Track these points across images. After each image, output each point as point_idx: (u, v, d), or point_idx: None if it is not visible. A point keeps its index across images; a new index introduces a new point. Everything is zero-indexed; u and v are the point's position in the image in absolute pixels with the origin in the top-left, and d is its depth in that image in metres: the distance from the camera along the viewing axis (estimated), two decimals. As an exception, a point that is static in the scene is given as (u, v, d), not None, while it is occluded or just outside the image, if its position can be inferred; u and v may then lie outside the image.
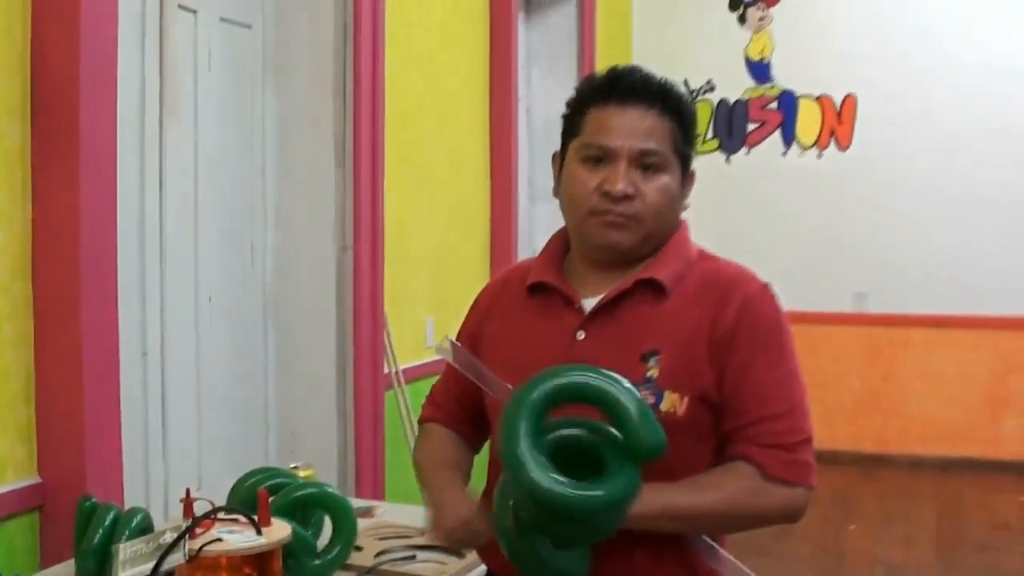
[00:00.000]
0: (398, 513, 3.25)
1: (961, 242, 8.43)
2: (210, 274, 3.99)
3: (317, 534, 2.72)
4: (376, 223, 4.44)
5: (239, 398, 4.18)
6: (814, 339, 8.61)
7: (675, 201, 2.10)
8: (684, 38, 8.95)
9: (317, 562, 2.65)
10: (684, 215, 2.21)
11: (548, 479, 1.77)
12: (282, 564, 2.24)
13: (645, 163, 2.05)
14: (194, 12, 3.92)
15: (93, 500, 2.63)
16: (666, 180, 2.06)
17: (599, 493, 1.80)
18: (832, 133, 8.68)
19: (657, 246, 2.12)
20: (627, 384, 1.84)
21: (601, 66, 7.72)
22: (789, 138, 8.78)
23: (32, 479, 2.91)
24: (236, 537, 2.12)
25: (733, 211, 8.76)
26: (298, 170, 4.36)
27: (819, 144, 8.72)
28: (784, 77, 8.78)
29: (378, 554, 2.84)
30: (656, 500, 1.92)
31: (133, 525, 2.53)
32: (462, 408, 2.33)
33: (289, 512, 2.61)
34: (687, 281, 2.08)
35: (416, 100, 5.11)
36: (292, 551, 2.54)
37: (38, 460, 2.93)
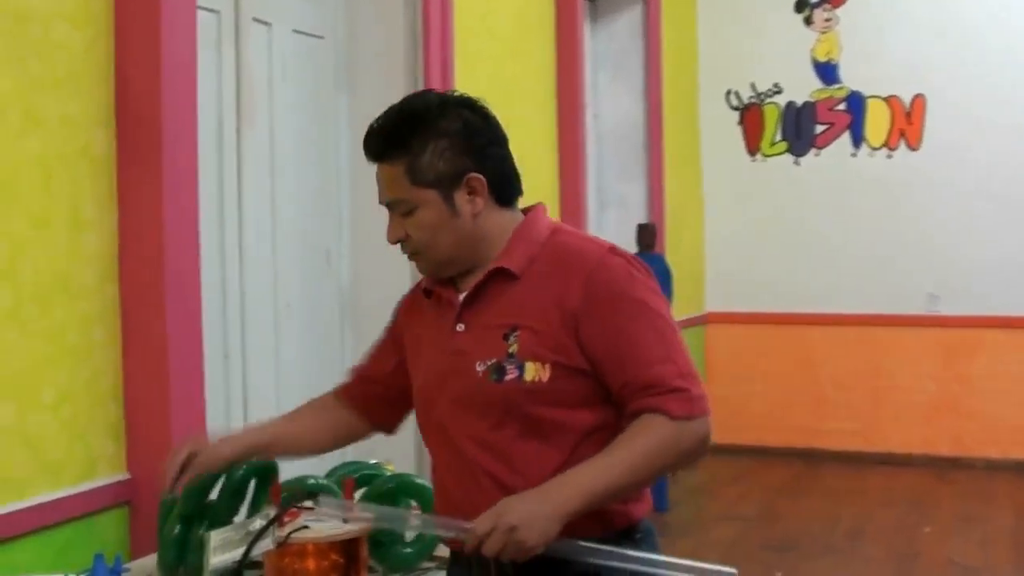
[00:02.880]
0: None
1: (1034, 241, 8.38)
2: (288, 279, 4.07)
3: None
4: (448, 227, 4.46)
5: (317, 399, 4.23)
6: (887, 341, 8.60)
7: (445, 224, 2.21)
8: (749, 41, 8.94)
9: (407, 550, 2.70)
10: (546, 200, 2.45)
11: None
12: (371, 552, 2.30)
13: (398, 211, 2.22)
14: (268, 24, 4.01)
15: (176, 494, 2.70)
16: (421, 216, 2.19)
17: None
18: (902, 133, 8.64)
19: (472, 253, 2.25)
20: None
21: (668, 71, 7.77)
22: (858, 139, 8.75)
23: (122, 475, 3.01)
24: (323, 525, 2.19)
25: (803, 213, 8.75)
26: (372, 176, 4.36)
27: (888, 145, 8.67)
28: (852, 78, 8.75)
29: (461, 545, 2.90)
30: (593, 478, 2.07)
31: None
32: (382, 405, 2.55)
33: (379, 502, 2.68)
34: (538, 261, 2.23)
35: (485, 107, 5.14)
36: (381, 539, 2.60)
37: (127, 457, 3.03)
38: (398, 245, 2.27)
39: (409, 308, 2.45)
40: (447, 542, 2.33)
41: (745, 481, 8.15)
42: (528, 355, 2.15)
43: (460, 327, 2.24)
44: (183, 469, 2.29)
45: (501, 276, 2.22)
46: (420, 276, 2.36)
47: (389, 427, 2.59)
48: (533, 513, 1.99)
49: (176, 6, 3.08)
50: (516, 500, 2.02)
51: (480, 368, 2.17)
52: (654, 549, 2.27)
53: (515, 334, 2.17)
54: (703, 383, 2.18)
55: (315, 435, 2.53)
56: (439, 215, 2.20)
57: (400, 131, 2.20)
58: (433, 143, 2.18)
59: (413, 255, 2.26)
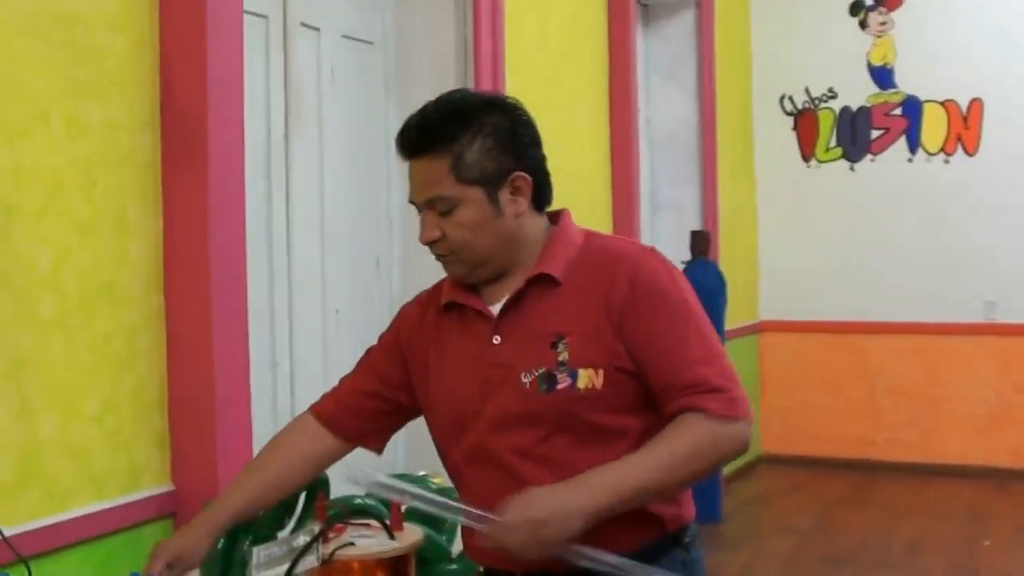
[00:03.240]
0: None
1: (1096, 247, 8.17)
2: (337, 287, 4.02)
3: (452, 540, 2.71)
4: (499, 234, 4.41)
5: (367, 410, 4.17)
6: (944, 350, 8.44)
7: (487, 223, 2.14)
8: (804, 45, 8.80)
9: (453, 567, 2.64)
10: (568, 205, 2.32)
11: None
12: (417, 569, 2.24)
13: (437, 209, 2.12)
14: (317, 30, 3.97)
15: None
16: (463, 215, 2.11)
17: None
18: (959, 138, 8.47)
19: (508, 255, 2.18)
20: None
21: (721, 76, 7.68)
22: (914, 145, 8.59)
23: (166, 487, 2.97)
24: (369, 541, 2.13)
25: (858, 219, 8.61)
26: (423, 183, 4.35)
27: (945, 150, 8.51)
28: (908, 82, 8.59)
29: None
30: (624, 477, 2.01)
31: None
32: (375, 423, 2.38)
33: (423, 518, 2.62)
34: (578, 266, 2.17)
35: (536, 112, 5.01)
36: (426, 557, 2.54)
37: (171, 468, 2.98)
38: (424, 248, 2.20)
39: (415, 323, 2.33)
40: (476, 550, 2.22)
41: (800, 492, 8.03)
42: (581, 362, 2.09)
43: (496, 339, 2.16)
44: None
45: (541, 283, 2.16)
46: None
47: (380, 447, 2.42)
48: (560, 509, 1.95)
49: (221, 9, 3.03)
50: (544, 493, 1.98)
51: (526, 379, 2.10)
52: (700, 555, 2.25)
53: (564, 341, 2.10)
54: (743, 388, 2.12)
55: (293, 476, 2.34)
56: (482, 214, 2.12)
57: (445, 125, 2.12)
58: (480, 139, 2.11)
59: (446, 256, 2.16)
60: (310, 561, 2.03)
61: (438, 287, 2.32)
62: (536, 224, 2.21)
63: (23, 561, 2.35)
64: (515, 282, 2.17)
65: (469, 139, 2.10)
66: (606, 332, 2.10)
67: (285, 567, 2.03)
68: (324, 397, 2.42)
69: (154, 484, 2.94)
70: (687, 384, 2.06)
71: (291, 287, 3.79)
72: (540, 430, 2.09)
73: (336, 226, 4.03)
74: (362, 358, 2.43)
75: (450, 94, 2.21)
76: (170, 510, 2.96)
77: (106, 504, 2.78)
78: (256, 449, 3.08)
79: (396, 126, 4.24)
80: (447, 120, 2.12)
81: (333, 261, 4.01)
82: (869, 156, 8.70)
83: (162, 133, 2.97)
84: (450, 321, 2.24)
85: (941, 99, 8.52)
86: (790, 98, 8.88)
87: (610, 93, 6.03)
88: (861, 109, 8.72)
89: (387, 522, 2.15)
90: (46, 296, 2.63)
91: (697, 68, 7.51)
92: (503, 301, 2.18)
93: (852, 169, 8.73)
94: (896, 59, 8.62)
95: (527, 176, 2.15)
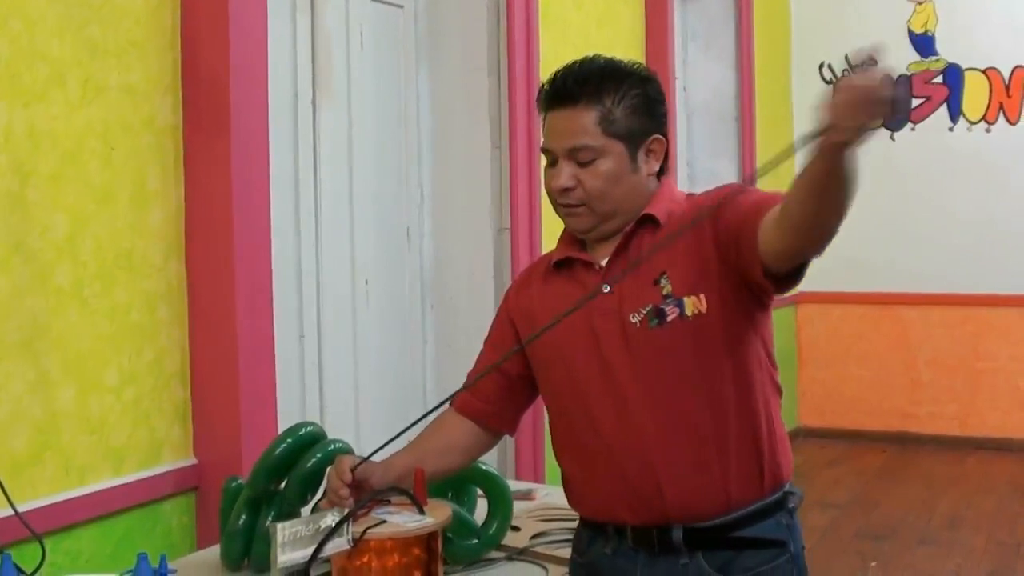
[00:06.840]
0: (559, 496, 3.14)
1: None
2: (366, 257, 3.94)
3: (471, 513, 2.67)
4: (533, 203, 4.34)
5: (397, 381, 4.12)
6: (985, 321, 8.30)
7: (624, 177, 2.23)
8: (844, 11, 8.63)
9: (472, 541, 2.58)
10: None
11: None
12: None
13: (578, 158, 2.21)
14: (345, -8, 3.87)
15: (239, 481, 2.58)
16: (604, 166, 2.21)
17: None
18: (1000, 107, 8.31)
19: (632, 211, 2.26)
20: None
21: (760, 43, 7.55)
22: (955, 113, 8.43)
23: (188, 460, 2.90)
24: (402, 518, 2.05)
25: (898, 189, 8.45)
26: (453, 151, 4.29)
27: (987, 119, 8.35)
28: (949, 50, 8.42)
29: (535, 536, 2.76)
30: None
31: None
32: (500, 402, 2.43)
33: (442, 491, 2.56)
34: (676, 214, 2.25)
35: (571, 78, 4.99)
36: (450, 531, 2.47)
37: (194, 441, 2.92)
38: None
39: (522, 289, 2.43)
40: None
41: (839, 466, 7.92)
42: (683, 291, 2.16)
43: (605, 288, 2.22)
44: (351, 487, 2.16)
45: (646, 227, 2.24)
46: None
47: (512, 427, 2.50)
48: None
49: (245, -31, 2.95)
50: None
51: (635, 319, 2.17)
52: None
53: (665, 276, 2.17)
54: None
55: (447, 456, 2.37)
56: (621, 167, 2.22)
57: (602, 79, 2.22)
58: (629, 99, 2.22)
59: (575, 207, 2.23)
60: (340, 543, 1.94)
61: (543, 257, 2.44)
62: (654, 187, 2.30)
63: (37, 538, 2.27)
64: (628, 227, 2.25)
65: (620, 97, 2.21)
66: (711, 260, 2.16)
67: (311, 549, 1.93)
68: (463, 396, 2.44)
69: (175, 458, 2.87)
70: (754, 207, 2.08)
71: (319, 257, 3.71)
72: (656, 365, 2.16)
73: (365, 195, 3.94)
74: (485, 340, 2.49)
75: (597, 56, 2.29)
76: (192, 484, 2.89)
77: (125, 479, 2.71)
78: (282, 422, 3.02)
79: (427, 91, 4.22)
80: (602, 75, 2.23)
81: (362, 231, 3.92)
82: (909, 125, 8.54)
83: (183, 98, 2.89)
84: (558, 280, 2.33)
85: (983, 67, 8.35)
86: (829, 66, 8.73)
87: (647, 59, 5.88)
88: (901, 77, 8.56)
89: (415, 497, 2.07)
90: (62, 264, 2.56)
91: (735, 35, 7.36)
92: (611, 254, 2.26)
93: (892, 138, 8.57)
94: (937, 26, 8.46)
95: (663, 140, 2.27)
